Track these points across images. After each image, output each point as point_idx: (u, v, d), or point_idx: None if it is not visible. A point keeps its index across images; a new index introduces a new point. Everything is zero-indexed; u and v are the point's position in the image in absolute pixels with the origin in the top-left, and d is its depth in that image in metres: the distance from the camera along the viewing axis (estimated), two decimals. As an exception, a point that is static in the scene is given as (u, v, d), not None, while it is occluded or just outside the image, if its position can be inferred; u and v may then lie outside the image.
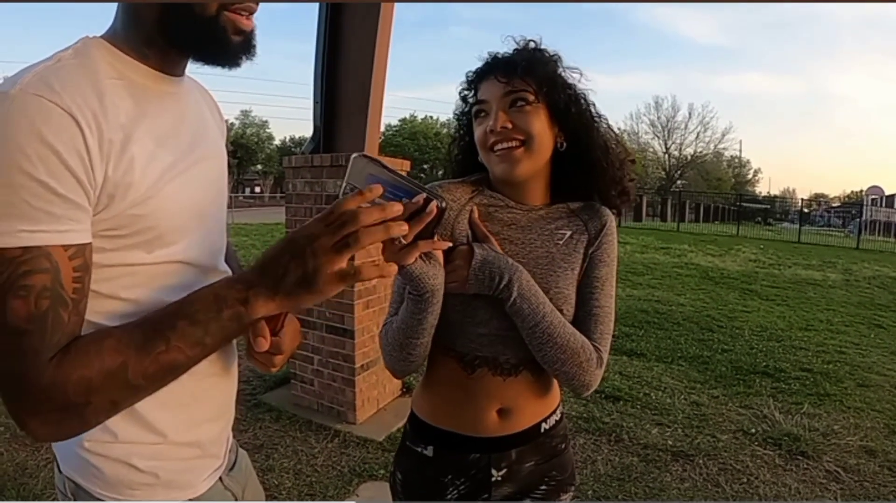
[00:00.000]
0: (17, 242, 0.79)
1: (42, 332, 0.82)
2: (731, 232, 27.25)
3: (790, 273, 14.12)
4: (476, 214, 1.40)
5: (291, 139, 65.74)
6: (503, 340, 1.40)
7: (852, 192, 76.01)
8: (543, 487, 1.54)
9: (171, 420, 1.06)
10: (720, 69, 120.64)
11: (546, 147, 1.38)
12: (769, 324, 8.36)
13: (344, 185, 0.96)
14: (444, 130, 57.51)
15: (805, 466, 3.97)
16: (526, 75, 1.34)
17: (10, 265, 0.79)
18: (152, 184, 0.93)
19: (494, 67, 1.38)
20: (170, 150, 0.99)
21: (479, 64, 1.43)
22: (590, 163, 1.41)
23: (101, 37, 0.98)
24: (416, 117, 59.07)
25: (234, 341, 1.22)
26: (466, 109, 1.48)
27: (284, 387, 4.79)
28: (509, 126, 1.33)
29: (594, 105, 1.43)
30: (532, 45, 1.44)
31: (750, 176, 68.17)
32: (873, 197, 42.77)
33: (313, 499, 3.19)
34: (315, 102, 4.37)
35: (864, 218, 33.85)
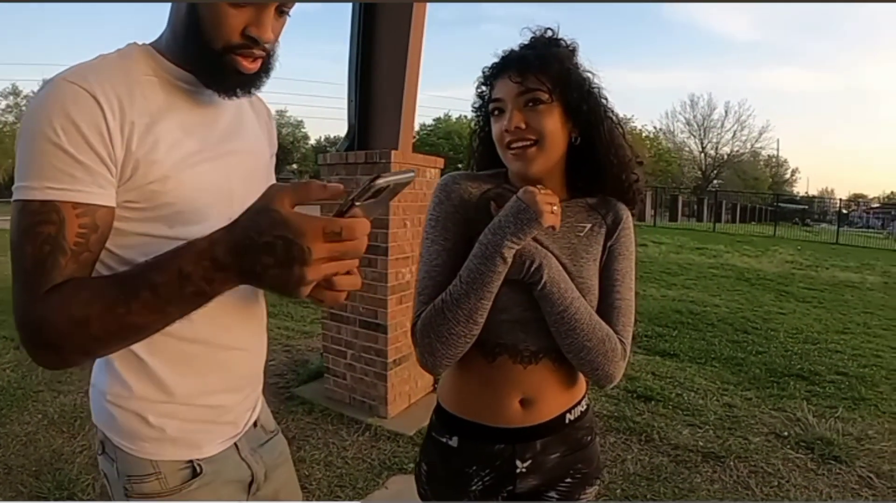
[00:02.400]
0: (39, 196, 0.94)
1: (40, 274, 0.95)
2: (768, 233, 26.87)
3: (827, 275, 13.90)
4: (495, 210, 1.41)
5: (326, 138, 66.20)
6: (523, 327, 1.42)
7: (892, 192, 74.27)
8: (569, 480, 1.55)
9: (184, 384, 1.17)
10: (756, 66, 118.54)
11: (559, 144, 1.40)
12: (805, 327, 8.25)
13: (358, 200, 0.84)
14: None
15: (837, 471, 3.91)
16: (540, 73, 1.36)
17: (30, 215, 0.95)
18: (173, 164, 1.05)
19: (509, 66, 1.40)
20: (197, 139, 1.11)
21: (496, 60, 1.44)
22: (599, 158, 1.44)
23: (149, 44, 1.13)
24: (450, 116, 58.97)
25: (264, 308, 1.35)
26: (483, 105, 1.51)
27: (318, 381, 4.86)
28: (523, 126, 1.36)
29: (606, 100, 1.45)
30: (549, 33, 1.45)
31: (788, 176, 66.89)
32: (915, 197, 41.77)
33: (343, 490, 3.25)
34: (349, 101, 4.43)
35: (905, 219, 33.12)
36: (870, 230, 40.51)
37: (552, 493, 1.55)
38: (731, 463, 3.92)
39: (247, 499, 1.32)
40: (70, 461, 3.58)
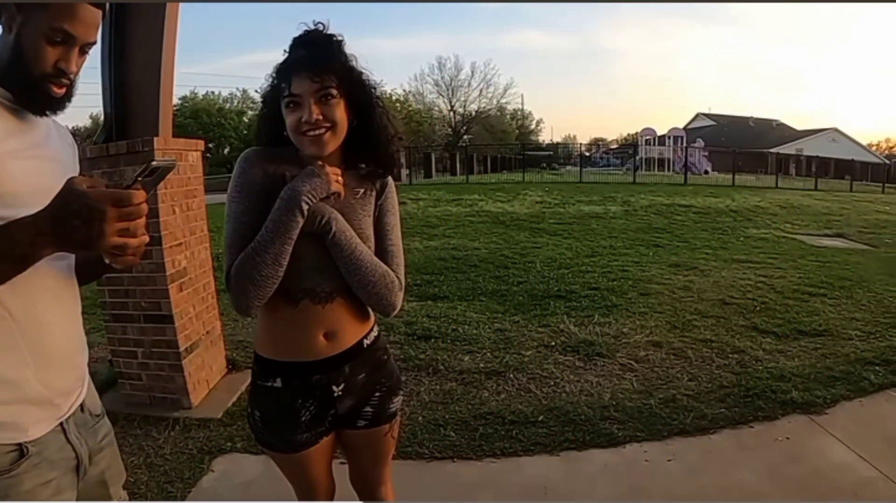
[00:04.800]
0: None
1: None
2: (518, 179, 28.86)
3: (574, 210, 15.48)
4: (289, 179, 1.67)
5: (74, 130, 59.85)
6: (319, 271, 1.73)
7: (628, 134, 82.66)
8: (378, 394, 1.91)
9: None
10: (501, 29, 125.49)
11: (344, 129, 1.70)
12: (558, 256, 9.24)
13: (139, 175, 1.19)
14: (227, 105, 55.65)
15: (602, 364, 4.59)
16: (331, 72, 1.64)
17: None
18: None
19: (305, 65, 1.65)
20: (17, 140, 1.35)
21: (288, 57, 1.71)
22: (370, 137, 1.77)
23: None
24: (196, 94, 55.93)
25: (77, 296, 1.54)
26: (278, 97, 1.71)
27: (113, 391, 4.55)
28: (321, 118, 1.64)
29: (374, 87, 1.78)
30: (321, 27, 1.72)
31: (533, 126, 71.98)
32: (647, 137, 47.02)
33: (173, 485, 3.26)
34: (104, 89, 4.13)
35: (639, 156, 37.43)
36: (611, 168, 44.99)
37: (367, 408, 1.90)
38: (511, 375, 4.42)
39: (77, 482, 1.48)
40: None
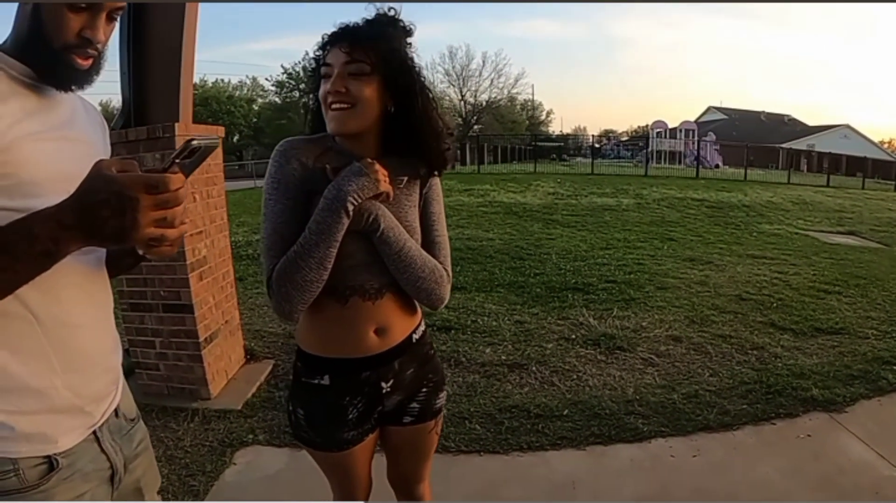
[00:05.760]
0: None
1: None
2: (529, 170, 28.78)
3: (587, 202, 15.43)
4: (330, 172, 1.63)
5: None
6: (367, 268, 1.68)
7: (638, 126, 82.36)
8: (424, 390, 1.88)
9: (24, 368, 1.18)
10: (511, 17, 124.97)
11: (372, 110, 1.63)
12: (573, 248, 9.22)
13: (177, 157, 1.05)
14: (237, 93, 54.85)
15: (623, 358, 4.59)
16: (368, 48, 1.59)
17: None
18: (15, 138, 1.14)
19: (342, 37, 1.61)
20: (38, 121, 1.21)
21: (334, 30, 1.66)
22: (412, 127, 1.68)
23: None
24: (206, 82, 55.52)
25: (109, 292, 1.43)
26: (317, 68, 1.69)
27: (130, 380, 4.59)
28: (343, 90, 1.58)
29: (424, 79, 1.71)
30: (392, 12, 1.67)
31: (543, 117, 71.59)
32: (658, 130, 46.74)
33: (194, 478, 3.22)
34: (122, 73, 4.07)
35: (650, 149, 37.23)
36: (621, 160, 44.81)
37: (414, 404, 1.86)
38: (534, 368, 4.42)
39: (112, 493, 1.38)
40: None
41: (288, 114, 50.16)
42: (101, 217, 0.97)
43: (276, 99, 53.77)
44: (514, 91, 60.48)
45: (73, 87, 1.27)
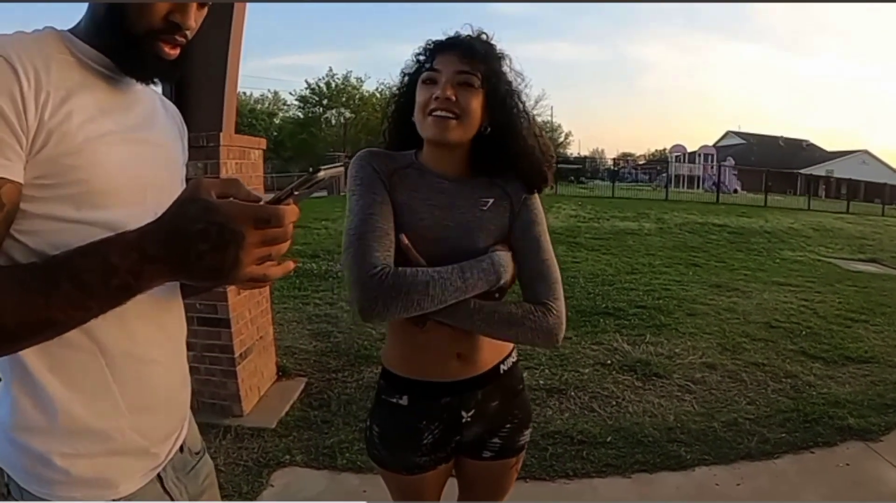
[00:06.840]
0: None
1: None
2: (550, 192, 28.65)
3: (609, 225, 15.47)
4: (405, 241, 1.56)
5: None
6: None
7: (656, 150, 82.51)
8: (508, 426, 1.75)
9: (88, 406, 1.04)
10: (530, 39, 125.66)
11: (474, 125, 1.57)
12: (599, 272, 9.23)
13: (298, 187, 0.90)
14: (259, 107, 54.79)
15: (660, 384, 4.63)
16: (480, 63, 1.56)
17: None
18: (87, 138, 0.97)
19: (457, 45, 1.58)
20: (112, 121, 1.04)
21: (443, 38, 1.63)
22: (508, 150, 1.61)
23: (67, 30, 1.08)
24: (250, 94, 56.03)
25: (183, 322, 1.30)
26: (415, 71, 1.65)
27: None
28: (453, 99, 1.52)
29: (524, 103, 1.65)
30: (484, 37, 1.65)
31: (562, 139, 71.80)
32: (677, 154, 46.87)
33: (231, 499, 3.11)
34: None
35: (669, 173, 37.28)
36: (639, 184, 44.92)
37: (495, 440, 1.74)
38: (572, 393, 4.44)
39: None
40: None
41: (310, 129, 50.34)
42: (197, 251, 0.81)
43: (299, 114, 53.86)
44: (535, 112, 60.60)
45: (156, 80, 1.11)
